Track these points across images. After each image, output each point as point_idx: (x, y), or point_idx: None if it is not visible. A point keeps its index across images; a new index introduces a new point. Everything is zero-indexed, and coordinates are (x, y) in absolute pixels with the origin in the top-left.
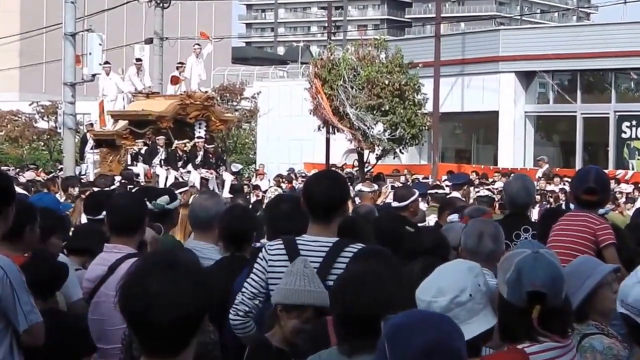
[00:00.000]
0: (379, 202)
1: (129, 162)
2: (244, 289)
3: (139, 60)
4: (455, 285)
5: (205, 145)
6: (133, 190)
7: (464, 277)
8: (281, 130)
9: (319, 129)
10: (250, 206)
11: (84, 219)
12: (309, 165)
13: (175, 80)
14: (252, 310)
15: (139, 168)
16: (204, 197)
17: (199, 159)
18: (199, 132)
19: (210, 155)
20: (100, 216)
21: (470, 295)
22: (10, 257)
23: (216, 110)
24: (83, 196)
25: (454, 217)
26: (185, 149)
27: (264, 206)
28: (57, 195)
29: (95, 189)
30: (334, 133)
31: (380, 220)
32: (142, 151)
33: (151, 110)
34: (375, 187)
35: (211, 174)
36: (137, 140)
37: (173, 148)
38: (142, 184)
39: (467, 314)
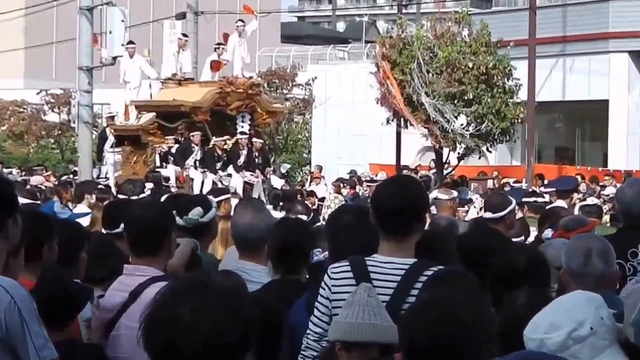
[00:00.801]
0: (463, 215)
1: (157, 164)
2: (308, 331)
3: (185, 35)
4: (571, 318)
5: (250, 142)
6: (160, 199)
7: (582, 309)
8: (341, 123)
9: (387, 122)
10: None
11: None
12: (376, 166)
13: (216, 67)
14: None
15: (169, 170)
16: (250, 210)
17: (241, 159)
18: (242, 126)
19: (256, 155)
20: (119, 229)
21: (592, 328)
22: (20, 280)
23: (262, 99)
24: (101, 204)
25: (548, 232)
26: (225, 147)
27: (321, 218)
28: (71, 205)
29: (120, 197)
30: (406, 127)
31: (470, 236)
32: (173, 150)
33: (184, 100)
34: (455, 193)
35: (257, 177)
36: (166, 137)
37: (210, 146)
38: (172, 190)
39: (589, 352)
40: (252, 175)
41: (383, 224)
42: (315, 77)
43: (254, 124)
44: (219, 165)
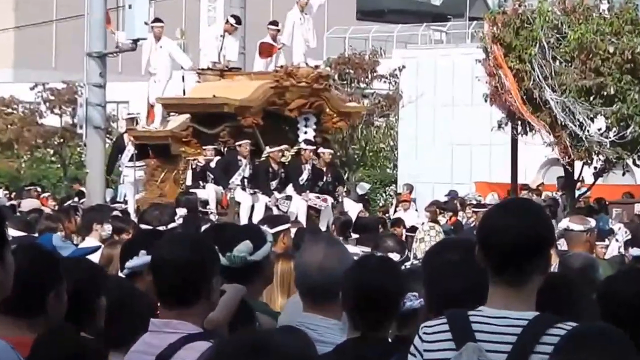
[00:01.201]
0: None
1: (191, 182)
2: None
3: (236, 19)
4: None
5: (316, 154)
6: (198, 231)
7: None
8: (438, 128)
9: (499, 126)
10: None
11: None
12: (484, 186)
13: (267, 51)
14: None
15: (208, 191)
16: (320, 245)
17: (304, 176)
18: (306, 132)
19: (324, 171)
20: (139, 265)
21: None
22: (13, 340)
23: (333, 97)
24: (117, 238)
25: None
26: (282, 160)
27: (412, 256)
28: (75, 238)
29: (143, 227)
30: (525, 133)
31: (616, 281)
32: (213, 164)
33: (228, 97)
34: (592, 223)
35: (325, 201)
36: (204, 147)
37: (263, 159)
38: (212, 217)
39: None
40: (318, 198)
41: (492, 264)
42: (403, 67)
43: (320, 129)
44: (274, 184)
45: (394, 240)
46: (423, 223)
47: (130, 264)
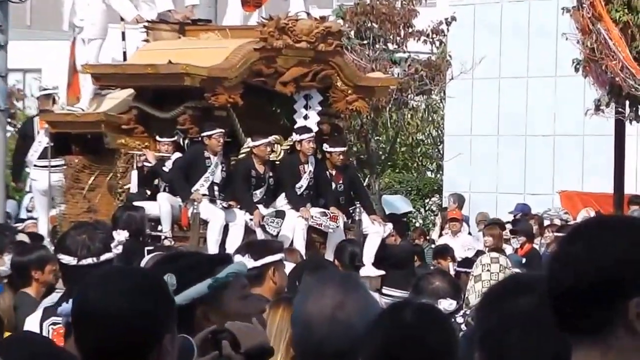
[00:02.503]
0: None
1: (136, 190)
2: None
3: None
4: None
5: (321, 149)
6: (145, 263)
7: None
8: (504, 111)
9: (596, 108)
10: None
11: (29, 324)
12: (573, 197)
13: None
14: None
15: (161, 204)
16: (330, 289)
17: (304, 181)
18: (306, 117)
19: (332, 174)
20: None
21: None
22: None
23: (347, 63)
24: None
25: None
26: (272, 157)
27: (464, 302)
28: None
29: (63, 260)
30: (636, 119)
31: None
32: (169, 164)
33: (190, 63)
34: None
35: (334, 220)
36: (157, 138)
37: (243, 155)
38: (166, 243)
39: None
40: (325, 215)
41: (560, 314)
42: (453, 19)
43: (328, 112)
44: (258, 194)
45: (444, 279)
46: (483, 252)
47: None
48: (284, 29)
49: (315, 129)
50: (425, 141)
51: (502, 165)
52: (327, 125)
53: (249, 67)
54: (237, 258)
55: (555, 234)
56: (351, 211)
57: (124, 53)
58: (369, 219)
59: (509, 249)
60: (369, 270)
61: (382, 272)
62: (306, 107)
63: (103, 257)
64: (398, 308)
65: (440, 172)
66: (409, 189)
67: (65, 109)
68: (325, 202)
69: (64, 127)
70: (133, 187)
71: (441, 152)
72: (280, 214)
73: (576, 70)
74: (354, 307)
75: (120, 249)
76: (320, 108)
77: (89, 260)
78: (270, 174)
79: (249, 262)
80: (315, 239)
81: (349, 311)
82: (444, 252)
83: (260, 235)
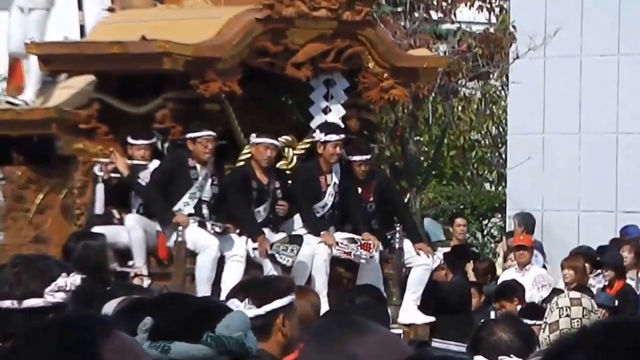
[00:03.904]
0: None
1: (100, 209)
2: None
3: None
4: None
5: (351, 154)
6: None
7: None
8: (586, 105)
9: None
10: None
11: None
12: None
13: None
14: None
15: (130, 228)
16: (367, 342)
17: (327, 198)
18: (328, 109)
19: (364, 186)
20: None
21: None
22: None
23: (382, 37)
24: None
25: None
26: (282, 164)
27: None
28: None
29: None
30: None
31: None
32: (145, 174)
33: (170, 40)
34: None
35: (367, 248)
36: (129, 140)
37: (241, 160)
38: (139, 282)
39: None
40: (355, 242)
41: None
42: None
43: (357, 103)
44: (262, 210)
45: (512, 329)
46: (554, 292)
47: None
48: None
49: (341, 125)
50: (482, 142)
51: (586, 174)
52: (355, 122)
53: (250, 44)
54: (233, 304)
55: None
56: (389, 237)
57: (81, 27)
58: (414, 247)
59: (597, 286)
60: (413, 315)
61: (432, 319)
62: (327, 97)
63: (27, 303)
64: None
65: (503, 184)
66: (461, 206)
67: (3, 103)
68: (354, 225)
69: (2, 128)
70: (98, 207)
71: (503, 156)
72: (295, 240)
73: None
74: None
75: (67, 293)
76: (346, 98)
77: (7, 304)
78: (277, 184)
79: (250, 310)
80: (342, 274)
81: None
82: (510, 291)
83: (268, 268)
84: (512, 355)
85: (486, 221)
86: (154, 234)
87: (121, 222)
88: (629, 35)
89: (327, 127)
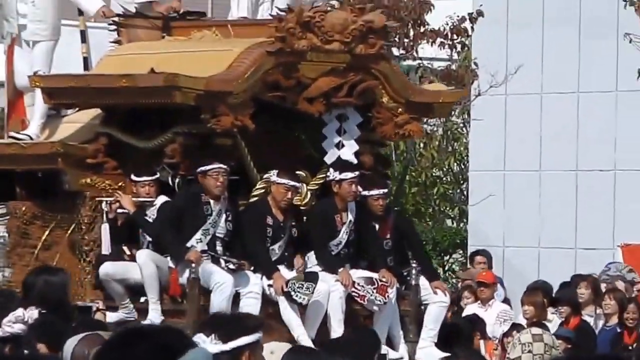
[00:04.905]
0: None
1: (107, 249)
2: None
3: None
4: None
5: (370, 190)
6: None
7: None
8: (547, 141)
9: None
10: None
11: None
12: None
13: None
14: None
15: (142, 264)
16: None
17: (342, 235)
18: (341, 145)
19: (381, 224)
20: None
21: None
22: None
23: (395, 72)
24: None
25: None
26: (296, 201)
27: None
28: None
29: None
30: None
31: None
32: (153, 212)
33: (180, 72)
34: None
35: (383, 292)
36: (133, 177)
37: (256, 197)
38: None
39: None
40: (371, 283)
41: None
42: (479, 13)
43: (370, 139)
44: (277, 248)
45: None
46: (513, 327)
47: None
48: (308, 25)
49: (354, 161)
50: (444, 179)
51: (546, 211)
52: (369, 157)
53: (262, 77)
54: (200, 339)
55: (611, 299)
56: (405, 274)
57: (85, 60)
58: (430, 286)
59: (556, 322)
60: (431, 352)
61: (448, 354)
62: (340, 131)
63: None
64: None
65: (465, 220)
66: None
67: (7, 138)
68: (370, 262)
69: (6, 163)
70: (105, 247)
71: (465, 193)
72: (311, 277)
73: None
74: None
75: (25, 324)
76: (359, 133)
77: None
78: (294, 222)
79: (216, 346)
80: (358, 312)
81: None
82: (473, 327)
83: (284, 305)
84: None
85: (447, 257)
86: (166, 271)
87: (132, 258)
88: (589, 74)
89: (341, 165)
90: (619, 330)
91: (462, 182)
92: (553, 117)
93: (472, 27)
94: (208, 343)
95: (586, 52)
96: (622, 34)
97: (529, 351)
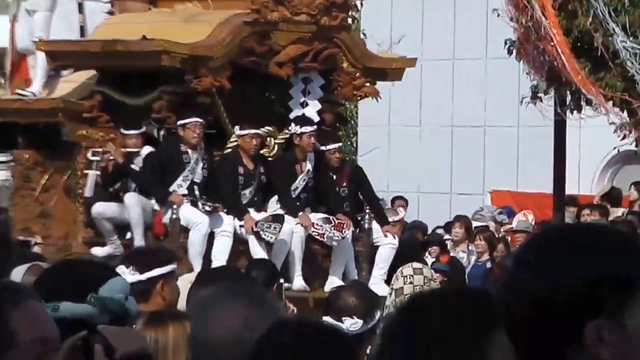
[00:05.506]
0: None
1: (90, 192)
2: None
3: None
4: None
5: (324, 144)
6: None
7: None
8: (427, 100)
9: (533, 97)
10: None
11: None
12: (506, 197)
13: None
14: None
15: (130, 205)
16: (237, 305)
17: (299, 182)
18: (305, 103)
19: (335, 174)
20: None
21: None
22: None
23: (355, 41)
24: None
25: None
26: (264, 152)
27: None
28: None
29: None
30: (577, 109)
31: None
32: (139, 160)
33: (167, 39)
34: None
35: (339, 229)
36: (124, 130)
37: (229, 149)
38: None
39: None
40: (329, 222)
41: (516, 343)
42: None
43: (331, 99)
44: (247, 193)
45: (357, 294)
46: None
47: None
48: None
49: (316, 118)
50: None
51: (424, 161)
52: (329, 115)
53: (238, 44)
54: (120, 270)
55: (481, 239)
56: (359, 219)
57: (81, 28)
58: (381, 229)
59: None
60: (381, 288)
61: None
62: (305, 92)
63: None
64: (278, 328)
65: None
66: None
67: (12, 94)
68: (328, 208)
69: (11, 116)
70: (88, 190)
71: (355, 145)
72: (278, 218)
73: (509, 52)
74: (263, 326)
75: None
76: (321, 94)
77: None
78: (262, 170)
79: (133, 277)
80: (317, 251)
81: (258, 331)
82: None
83: (253, 244)
84: (354, 317)
85: None
86: (150, 212)
87: (120, 200)
88: (464, 41)
89: (300, 120)
90: (489, 265)
91: (352, 136)
92: (432, 81)
93: (361, 3)
94: (127, 274)
95: (460, 25)
96: (491, 9)
97: (410, 282)
